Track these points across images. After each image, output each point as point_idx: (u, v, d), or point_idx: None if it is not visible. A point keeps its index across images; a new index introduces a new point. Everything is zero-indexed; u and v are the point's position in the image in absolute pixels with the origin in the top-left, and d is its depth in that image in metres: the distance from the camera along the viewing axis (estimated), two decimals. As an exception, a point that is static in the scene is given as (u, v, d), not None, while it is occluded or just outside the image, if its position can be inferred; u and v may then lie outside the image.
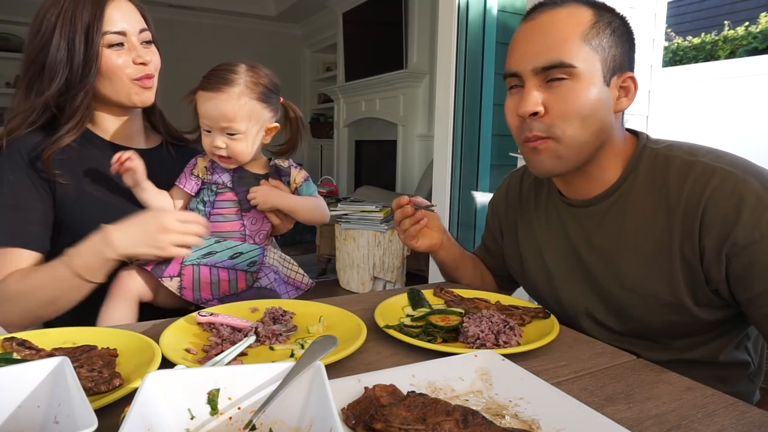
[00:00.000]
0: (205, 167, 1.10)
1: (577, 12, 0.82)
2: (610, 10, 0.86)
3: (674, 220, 0.80)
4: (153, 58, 1.06)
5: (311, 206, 1.14)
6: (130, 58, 1.03)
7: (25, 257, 0.95)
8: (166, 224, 0.91)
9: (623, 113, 0.88)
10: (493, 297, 0.97)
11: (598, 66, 0.81)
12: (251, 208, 1.08)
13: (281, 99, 1.11)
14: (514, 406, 0.57)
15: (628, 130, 0.92)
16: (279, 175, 1.12)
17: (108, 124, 1.10)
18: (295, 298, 1.08)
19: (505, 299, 0.96)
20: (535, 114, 0.82)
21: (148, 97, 1.07)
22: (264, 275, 1.06)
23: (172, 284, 0.97)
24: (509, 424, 0.54)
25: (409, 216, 1.03)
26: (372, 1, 4.76)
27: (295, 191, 1.13)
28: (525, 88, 0.83)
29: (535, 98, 0.81)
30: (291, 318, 0.84)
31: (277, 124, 1.09)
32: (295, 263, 1.14)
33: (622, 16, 0.87)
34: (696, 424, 0.56)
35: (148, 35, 1.06)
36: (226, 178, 1.08)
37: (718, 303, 0.81)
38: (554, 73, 0.80)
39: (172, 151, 1.20)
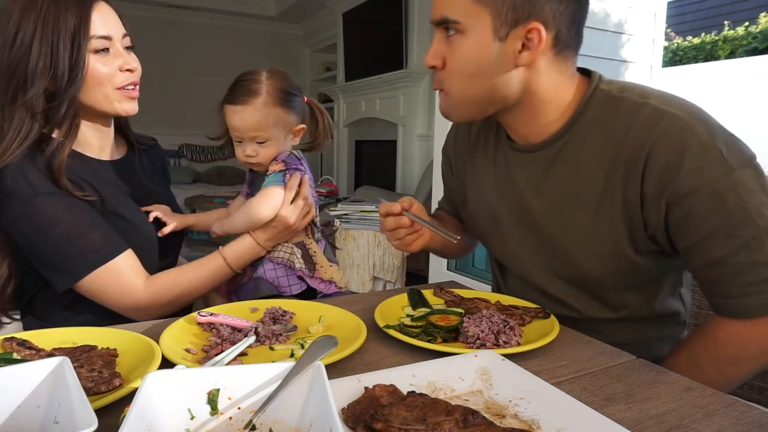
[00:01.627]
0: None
1: None
2: None
3: (617, 164, 0.78)
4: (135, 63, 1.03)
5: (242, 221, 1.07)
6: (116, 65, 0.99)
7: (127, 259, 0.97)
8: (292, 226, 1.06)
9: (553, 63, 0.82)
10: (493, 297, 0.97)
11: (487, 20, 0.77)
12: None
13: (305, 98, 1.13)
14: (514, 406, 0.57)
15: (580, 69, 0.88)
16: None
17: (85, 136, 1.04)
18: (325, 298, 1.09)
19: (505, 299, 0.96)
20: (434, 67, 0.83)
21: (133, 107, 1.04)
22: (264, 269, 1.08)
23: None
24: (509, 424, 0.54)
25: (405, 227, 0.96)
26: (372, 1, 4.76)
27: None
28: (434, 39, 0.83)
29: (434, 51, 0.82)
30: (291, 318, 0.84)
31: (303, 126, 1.12)
32: (329, 259, 1.16)
33: None
34: (696, 424, 0.56)
35: (128, 41, 1.03)
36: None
37: (655, 250, 0.81)
38: (447, 27, 0.80)
39: (145, 157, 1.19)
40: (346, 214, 3.56)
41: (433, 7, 0.81)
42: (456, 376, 0.62)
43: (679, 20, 6.30)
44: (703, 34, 5.59)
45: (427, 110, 4.41)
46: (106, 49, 0.97)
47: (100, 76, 0.97)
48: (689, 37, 5.67)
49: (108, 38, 0.98)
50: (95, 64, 0.96)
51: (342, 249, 3.61)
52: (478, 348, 0.74)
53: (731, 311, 0.77)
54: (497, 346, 0.74)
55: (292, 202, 1.06)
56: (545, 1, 0.76)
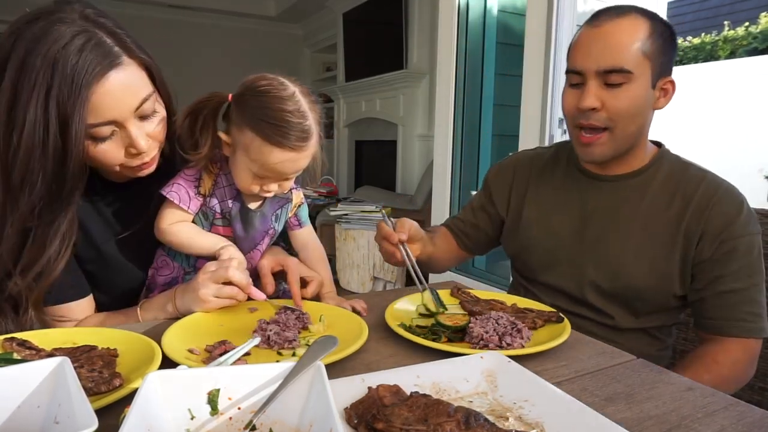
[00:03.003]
0: (211, 186, 0.93)
1: (636, 22, 0.97)
2: (662, 21, 1.00)
3: (689, 204, 1.00)
4: (153, 132, 0.86)
5: (327, 266, 1.04)
6: (122, 148, 0.83)
7: (77, 307, 0.92)
8: (202, 298, 0.83)
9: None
10: (509, 299, 0.96)
11: (648, 72, 0.97)
12: (252, 247, 0.97)
13: None
14: (518, 408, 0.57)
15: (650, 141, 1.09)
16: (278, 206, 0.99)
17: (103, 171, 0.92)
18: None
19: (522, 302, 0.95)
20: (593, 109, 0.98)
21: (147, 172, 0.90)
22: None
23: None
24: (513, 426, 0.54)
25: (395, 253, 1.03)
26: (372, 1, 4.76)
27: (294, 213, 1.04)
28: (587, 86, 0.98)
29: (595, 96, 0.98)
30: (306, 322, 0.82)
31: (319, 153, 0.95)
32: None
33: (669, 24, 1.01)
34: (696, 424, 0.56)
35: (150, 104, 0.84)
36: (224, 207, 0.93)
37: (687, 280, 1.01)
38: (614, 76, 0.96)
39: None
40: (346, 214, 3.56)
41: (600, 57, 0.96)
42: (461, 377, 0.62)
43: (679, 20, 6.29)
44: (703, 34, 5.59)
45: (427, 110, 4.41)
46: (111, 135, 0.82)
47: (101, 160, 0.83)
48: (689, 38, 5.67)
49: (113, 122, 0.80)
50: (92, 149, 0.81)
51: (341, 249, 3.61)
52: (481, 348, 0.74)
53: (729, 330, 0.98)
54: (500, 347, 0.74)
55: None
56: (673, 59, 1.01)
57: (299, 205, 1.04)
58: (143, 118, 0.84)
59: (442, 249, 1.25)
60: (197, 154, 0.89)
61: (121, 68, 0.79)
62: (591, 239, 1.07)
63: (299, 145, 0.85)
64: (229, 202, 0.94)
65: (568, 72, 1.03)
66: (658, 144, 1.11)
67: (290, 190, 1.00)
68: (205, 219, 0.94)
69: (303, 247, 1.05)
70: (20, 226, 0.80)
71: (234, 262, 0.85)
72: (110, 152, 0.83)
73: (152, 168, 0.90)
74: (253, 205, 0.96)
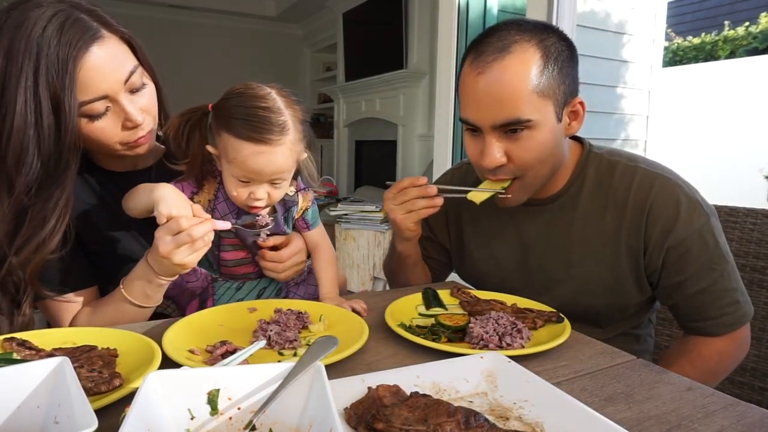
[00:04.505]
0: (209, 201, 0.93)
1: (524, 58, 0.84)
2: (556, 36, 0.89)
3: (623, 217, 0.94)
4: (145, 105, 0.88)
5: (335, 271, 1.02)
6: (118, 123, 0.85)
7: (79, 298, 0.92)
8: (161, 252, 0.79)
9: None
10: (510, 299, 0.96)
11: (551, 109, 0.88)
12: (260, 248, 0.98)
13: None
14: (518, 409, 0.57)
15: (571, 137, 1.01)
16: (284, 209, 0.98)
17: (101, 157, 0.96)
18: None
19: (522, 302, 0.95)
20: (500, 165, 0.90)
21: (144, 150, 0.91)
22: (293, 293, 1.04)
23: None
24: (513, 426, 0.54)
25: (428, 197, 0.96)
26: (372, 1, 4.76)
27: (301, 215, 1.02)
28: (486, 141, 0.89)
29: (497, 151, 0.89)
30: (306, 322, 0.83)
31: (306, 155, 0.94)
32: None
33: (565, 37, 0.91)
34: (696, 424, 0.56)
35: (138, 77, 0.85)
36: (227, 220, 0.90)
37: (646, 287, 0.98)
38: (512, 127, 0.87)
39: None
40: (346, 214, 3.56)
41: (493, 112, 0.86)
42: (461, 377, 0.62)
43: (679, 20, 6.30)
44: (703, 34, 5.60)
45: (427, 110, 4.41)
46: (105, 110, 0.83)
47: (98, 138, 0.84)
48: (689, 37, 5.67)
49: (105, 97, 0.82)
50: (89, 127, 0.83)
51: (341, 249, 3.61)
52: (481, 349, 0.74)
53: (712, 330, 0.93)
54: (500, 347, 0.74)
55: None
56: (577, 76, 0.92)
57: (306, 209, 1.02)
58: (133, 92, 0.86)
59: (423, 276, 1.20)
60: (185, 163, 0.90)
61: (103, 42, 0.81)
62: (535, 269, 1.03)
63: (270, 138, 0.83)
64: (231, 215, 0.93)
65: (461, 120, 0.93)
66: (581, 142, 1.03)
67: (297, 192, 0.99)
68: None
69: (314, 249, 1.04)
70: (16, 208, 0.81)
71: (178, 214, 0.80)
72: (107, 129, 0.84)
73: (150, 143, 0.91)
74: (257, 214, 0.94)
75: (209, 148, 0.90)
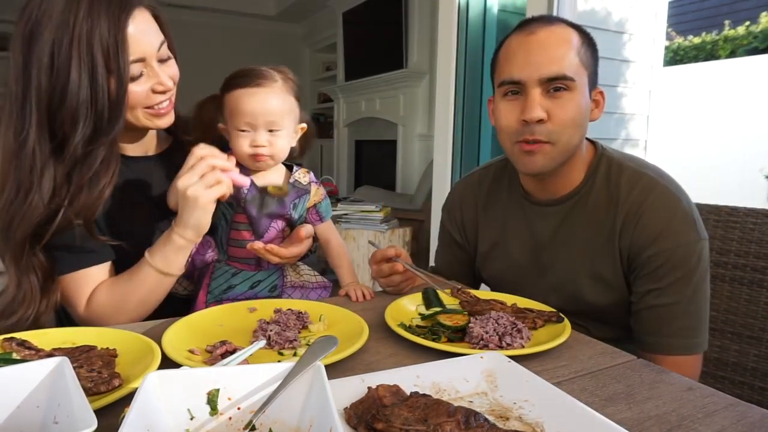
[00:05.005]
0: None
1: (567, 31, 0.95)
2: (586, 32, 0.98)
3: (618, 216, 0.97)
4: (172, 74, 0.94)
5: (349, 260, 1.10)
6: (149, 87, 0.90)
7: (98, 272, 0.93)
8: (188, 195, 0.84)
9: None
10: (510, 299, 0.96)
11: (586, 80, 0.95)
12: (267, 226, 1.00)
13: None
14: (518, 408, 0.57)
15: (586, 138, 1.05)
16: (296, 195, 1.02)
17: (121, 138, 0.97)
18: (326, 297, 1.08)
19: (523, 302, 0.95)
20: (539, 121, 0.92)
21: (166, 122, 0.96)
22: (287, 295, 1.04)
23: None
24: (513, 426, 0.54)
25: (399, 273, 1.02)
26: (372, 1, 4.76)
27: (313, 207, 1.06)
28: (529, 95, 0.93)
29: (540, 106, 0.92)
30: (306, 322, 0.83)
31: (305, 125, 1.03)
32: (314, 272, 1.11)
33: (591, 37, 0.99)
34: (696, 424, 0.56)
35: (165, 49, 0.92)
36: (242, 195, 0.97)
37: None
38: (557, 84, 0.91)
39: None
40: (346, 214, 3.56)
41: (542, 65, 0.91)
42: (461, 377, 0.62)
43: (680, 20, 6.29)
44: (703, 33, 5.60)
45: (427, 110, 4.41)
46: (140, 74, 0.88)
47: (133, 102, 0.89)
48: (690, 37, 5.67)
49: (142, 60, 0.88)
50: (131, 90, 0.87)
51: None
52: (481, 348, 0.74)
53: (661, 348, 0.93)
54: (500, 347, 0.74)
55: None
56: (597, 71, 0.98)
57: (319, 202, 1.07)
58: (162, 61, 0.92)
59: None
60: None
61: (140, 10, 0.88)
62: (545, 267, 1.06)
63: (260, 82, 0.94)
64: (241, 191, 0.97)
65: (502, 84, 0.96)
66: (594, 143, 1.06)
67: (309, 183, 1.05)
68: (229, 208, 0.99)
69: (326, 242, 1.10)
70: (73, 160, 0.86)
71: (207, 154, 0.86)
72: (137, 93, 0.89)
73: (171, 116, 0.97)
74: (262, 180, 1.00)
75: (220, 126, 0.99)
